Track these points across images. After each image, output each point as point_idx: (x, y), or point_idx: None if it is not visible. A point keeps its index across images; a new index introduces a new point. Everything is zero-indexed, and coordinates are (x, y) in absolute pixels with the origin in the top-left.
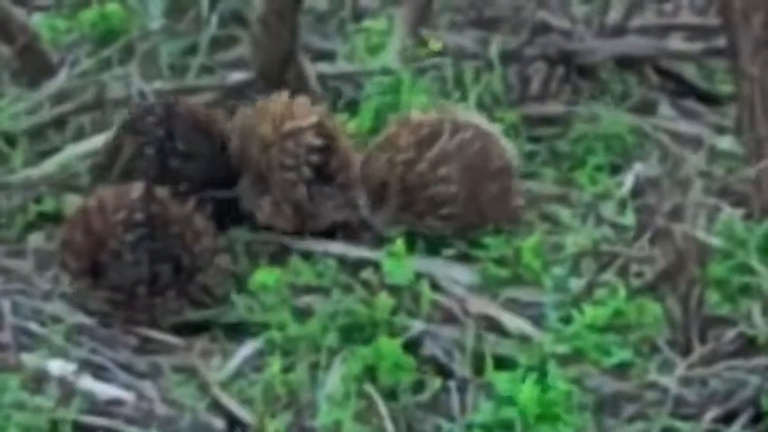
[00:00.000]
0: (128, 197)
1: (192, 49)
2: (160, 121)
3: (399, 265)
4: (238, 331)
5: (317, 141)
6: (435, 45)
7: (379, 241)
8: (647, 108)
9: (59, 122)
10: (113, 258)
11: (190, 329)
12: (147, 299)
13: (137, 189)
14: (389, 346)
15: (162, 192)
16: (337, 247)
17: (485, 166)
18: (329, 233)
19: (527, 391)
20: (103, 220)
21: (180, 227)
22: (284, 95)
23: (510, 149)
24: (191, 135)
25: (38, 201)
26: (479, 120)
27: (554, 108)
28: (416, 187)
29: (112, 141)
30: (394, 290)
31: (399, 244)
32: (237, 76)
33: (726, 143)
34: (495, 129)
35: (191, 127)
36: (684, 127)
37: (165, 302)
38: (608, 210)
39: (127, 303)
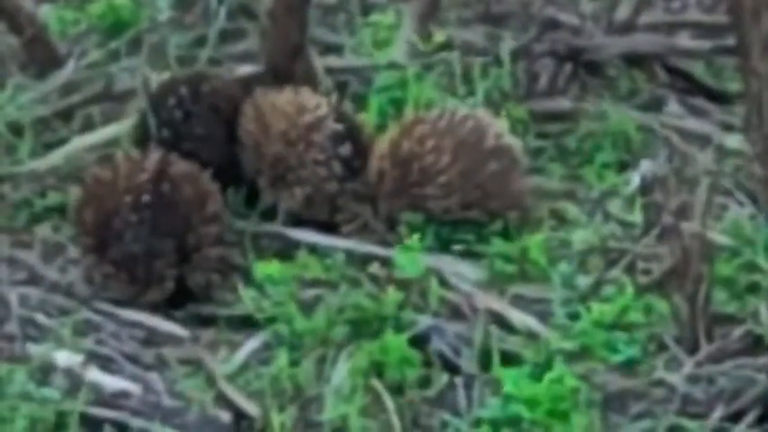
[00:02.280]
0: (139, 176)
1: (200, 42)
2: (180, 103)
3: (413, 259)
4: (245, 324)
5: (339, 127)
6: (439, 37)
7: (388, 234)
8: (654, 105)
9: (66, 114)
10: (116, 237)
11: (196, 322)
12: (145, 275)
13: (149, 167)
14: (396, 341)
15: (179, 167)
16: (345, 241)
17: (480, 143)
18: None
19: (534, 388)
20: (113, 199)
21: (189, 209)
22: (287, 90)
23: (507, 135)
24: (209, 118)
25: (42, 195)
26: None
27: (562, 104)
28: (408, 160)
29: (139, 118)
30: (401, 285)
31: (414, 238)
32: (246, 69)
33: (734, 141)
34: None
35: (209, 109)
36: (692, 125)
37: (160, 281)
38: (615, 207)
39: (125, 279)
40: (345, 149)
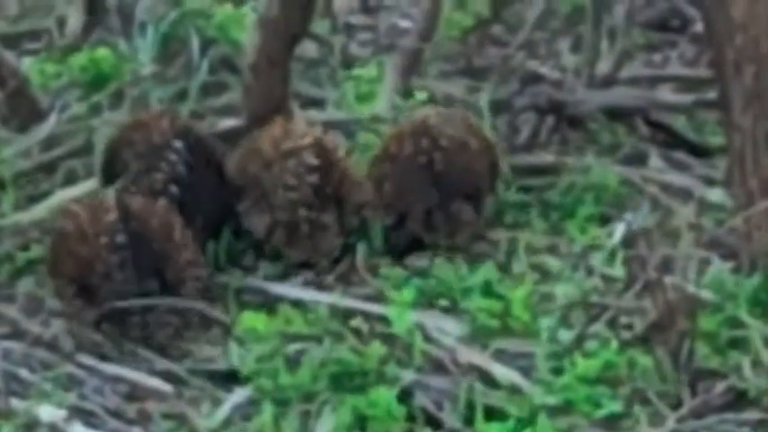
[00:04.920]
0: (104, 218)
1: (182, 95)
2: (181, 159)
3: (403, 315)
4: (229, 378)
5: (315, 161)
6: (420, 96)
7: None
8: (636, 159)
9: (49, 167)
10: (103, 280)
11: (179, 376)
12: (141, 316)
13: (111, 209)
14: (380, 395)
15: (136, 202)
16: (328, 295)
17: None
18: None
19: None
20: (87, 245)
21: (161, 241)
22: (282, 119)
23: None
24: (204, 171)
25: (25, 248)
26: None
27: (543, 158)
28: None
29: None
30: (385, 339)
31: (405, 294)
32: (227, 123)
33: (716, 195)
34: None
35: (205, 163)
36: (674, 178)
37: (157, 317)
38: (598, 261)
39: (121, 321)
40: (314, 179)
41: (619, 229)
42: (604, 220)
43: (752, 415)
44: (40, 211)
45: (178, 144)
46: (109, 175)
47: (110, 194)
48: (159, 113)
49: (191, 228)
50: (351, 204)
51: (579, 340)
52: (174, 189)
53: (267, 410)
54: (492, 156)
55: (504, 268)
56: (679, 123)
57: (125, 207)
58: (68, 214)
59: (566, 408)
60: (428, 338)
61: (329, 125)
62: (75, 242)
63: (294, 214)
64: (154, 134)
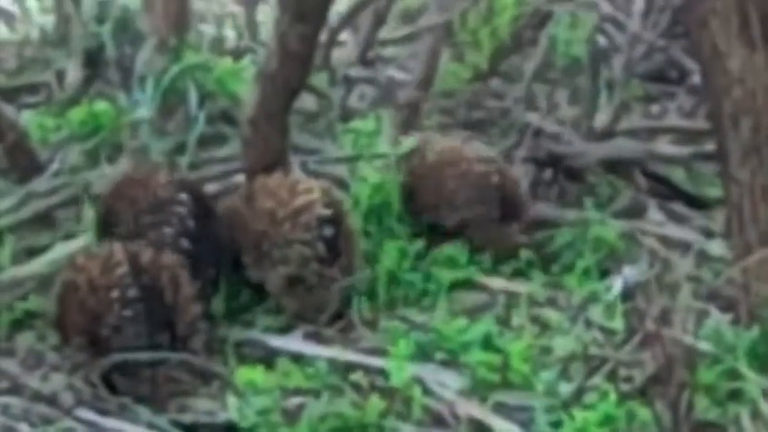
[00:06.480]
0: (115, 272)
1: (180, 148)
2: (189, 212)
3: (402, 368)
4: None
5: (327, 212)
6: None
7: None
8: (635, 212)
9: (47, 220)
10: (113, 332)
11: (178, 430)
12: (150, 370)
13: (122, 264)
14: None
15: (145, 255)
16: (327, 349)
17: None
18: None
19: None
20: (97, 298)
21: (171, 295)
22: (277, 174)
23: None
24: (208, 224)
25: (24, 298)
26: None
27: (542, 211)
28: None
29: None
30: (384, 393)
31: (402, 347)
32: (226, 175)
33: (714, 247)
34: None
35: (208, 216)
36: (673, 231)
37: (167, 371)
38: (597, 313)
39: (130, 374)
40: (329, 232)
41: (617, 282)
42: (603, 273)
43: None
44: (39, 264)
45: (184, 197)
46: (105, 231)
47: (117, 247)
48: (154, 168)
49: (199, 280)
50: (357, 257)
51: (578, 393)
52: (184, 242)
53: None
54: None
55: (504, 321)
56: (677, 175)
57: (136, 260)
58: (77, 267)
59: None
60: (427, 392)
61: (327, 177)
62: (85, 294)
63: (304, 269)
64: (157, 189)
